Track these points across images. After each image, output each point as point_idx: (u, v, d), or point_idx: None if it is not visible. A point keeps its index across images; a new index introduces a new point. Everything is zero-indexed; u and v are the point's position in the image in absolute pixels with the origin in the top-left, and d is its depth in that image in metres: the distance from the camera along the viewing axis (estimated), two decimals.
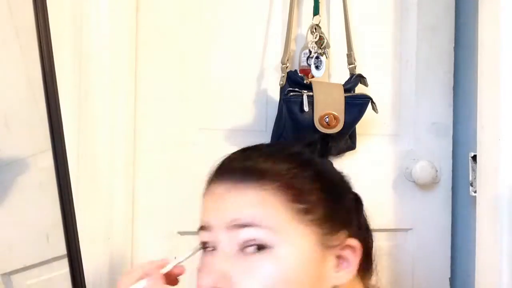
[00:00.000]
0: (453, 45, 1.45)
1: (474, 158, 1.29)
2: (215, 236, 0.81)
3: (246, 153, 0.86)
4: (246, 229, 0.77)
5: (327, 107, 1.26)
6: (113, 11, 1.26)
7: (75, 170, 1.18)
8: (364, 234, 0.89)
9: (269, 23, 1.39)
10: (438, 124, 1.45)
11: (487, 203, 1.21)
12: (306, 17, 1.38)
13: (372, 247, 0.91)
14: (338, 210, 0.82)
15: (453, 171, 1.45)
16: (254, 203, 0.78)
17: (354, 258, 0.81)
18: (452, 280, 1.46)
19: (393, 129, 1.45)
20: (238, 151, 0.88)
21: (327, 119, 1.26)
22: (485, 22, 1.22)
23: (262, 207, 0.78)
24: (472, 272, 1.26)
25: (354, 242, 0.82)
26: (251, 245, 0.77)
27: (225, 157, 0.88)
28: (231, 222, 0.78)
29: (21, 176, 1.18)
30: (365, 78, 1.33)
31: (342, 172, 0.91)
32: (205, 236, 0.83)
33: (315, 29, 1.35)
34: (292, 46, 1.38)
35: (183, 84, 1.34)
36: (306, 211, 0.78)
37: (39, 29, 1.09)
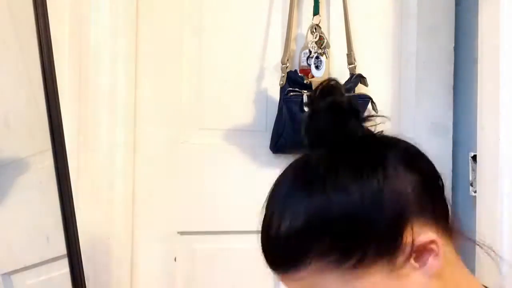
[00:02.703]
0: (453, 45, 1.45)
1: (474, 158, 1.29)
2: None
3: (264, 231, 0.68)
4: None
5: None
6: (113, 11, 1.26)
7: (75, 170, 1.18)
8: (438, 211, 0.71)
9: (269, 23, 1.39)
10: (438, 124, 1.45)
11: (487, 203, 1.21)
12: (306, 17, 1.38)
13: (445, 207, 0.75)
14: (387, 231, 0.65)
15: (453, 171, 1.45)
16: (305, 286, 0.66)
17: (432, 257, 0.66)
18: None
19: (393, 129, 1.44)
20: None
21: None
22: (485, 22, 1.22)
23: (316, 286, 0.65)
24: (472, 272, 1.26)
25: (423, 238, 0.65)
26: None
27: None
28: None
29: (21, 176, 1.18)
30: (365, 78, 1.33)
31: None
32: None
33: (315, 29, 1.35)
34: (292, 46, 1.38)
35: (183, 84, 1.34)
36: (360, 260, 0.64)
37: (39, 29, 1.09)
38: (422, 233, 0.65)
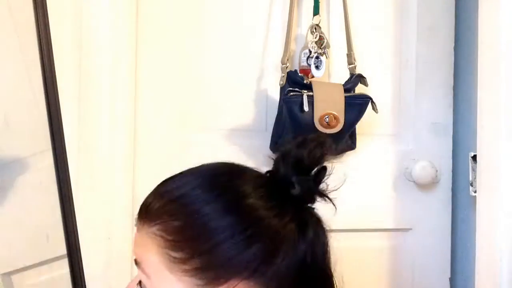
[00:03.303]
0: (453, 45, 1.45)
1: (474, 158, 1.29)
2: None
3: (163, 184, 0.75)
4: (137, 268, 0.72)
5: (327, 107, 1.26)
6: (113, 11, 1.26)
7: (75, 170, 1.18)
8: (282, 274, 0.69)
9: (269, 23, 1.39)
10: (438, 124, 1.45)
11: (487, 203, 1.21)
12: (306, 17, 1.38)
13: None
14: (225, 258, 0.67)
15: (453, 171, 1.45)
16: (139, 243, 0.72)
17: None
18: (452, 280, 1.46)
19: (393, 129, 1.45)
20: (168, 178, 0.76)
21: (327, 119, 1.26)
22: (485, 22, 1.22)
23: (144, 249, 0.71)
24: (472, 272, 1.26)
25: None
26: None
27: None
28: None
29: (21, 176, 1.18)
30: (365, 78, 1.33)
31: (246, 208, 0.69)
32: None
33: (315, 29, 1.35)
34: (292, 46, 1.38)
35: (183, 84, 1.34)
36: (183, 261, 0.67)
37: (39, 29, 1.09)
38: None
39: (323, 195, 0.73)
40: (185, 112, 1.34)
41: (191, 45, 1.35)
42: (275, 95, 1.36)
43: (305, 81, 1.29)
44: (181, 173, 0.75)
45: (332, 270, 0.75)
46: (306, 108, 1.25)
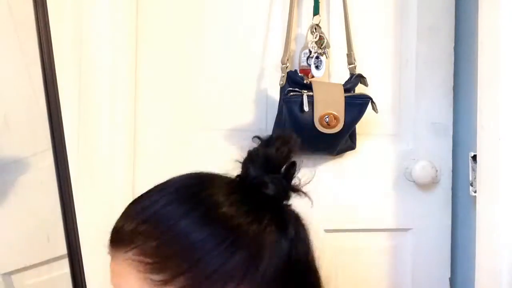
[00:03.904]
0: (453, 45, 1.45)
1: (474, 158, 1.29)
2: None
3: (132, 206, 0.71)
4: None
5: (327, 107, 1.26)
6: (113, 11, 1.26)
7: (75, 169, 1.18)
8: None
9: (269, 23, 1.39)
10: (438, 124, 1.45)
11: (487, 203, 1.21)
12: (306, 17, 1.38)
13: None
14: (210, 270, 0.64)
15: (453, 171, 1.45)
16: (116, 272, 0.68)
17: None
18: (452, 280, 1.46)
19: (393, 129, 1.45)
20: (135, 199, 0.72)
21: (327, 119, 1.26)
22: (485, 22, 1.22)
23: (122, 279, 0.67)
24: (472, 272, 1.26)
25: None
26: None
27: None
28: None
29: (21, 176, 1.18)
30: (365, 78, 1.33)
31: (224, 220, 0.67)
32: None
33: (315, 29, 1.35)
34: (292, 46, 1.38)
35: (183, 84, 1.34)
36: (166, 282, 0.64)
37: (39, 28, 1.09)
38: None
39: (297, 189, 0.72)
40: (185, 112, 1.34)
41: (191, 45, 1.35)
42: (275, 95, 1.36)
43: (305, 81, 1.29)
44: (149, 191, 0.71)
45: (317, 265, 0.74)
46: (306, 108, 1.25)
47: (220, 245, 0.65)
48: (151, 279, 0.64)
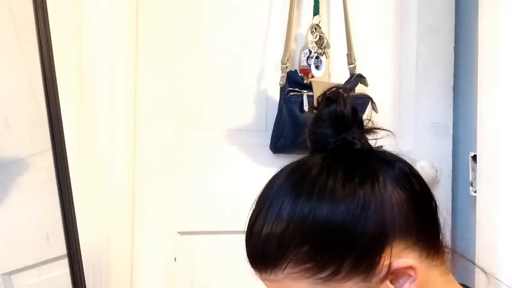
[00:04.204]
0: (453, 45, 1.45)
1: (474, 158, 1.29)
2: None
3: (255, 228, 0.69)
4: None
5: None
6: (113, 11, 1.26)
7: (75, 170, 1.18)
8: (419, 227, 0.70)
9: (269, 23, 1.39)
10: (438, 124, 1.45)
11: (487, 203, 1.21)
12: (306, 17, 1.38)
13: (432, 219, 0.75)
14: (368, 238, 0.65)
15: (453, 171, 1.45)
16: None
17: (408, 282, 0.66)
18: None
19: (393, 129, 1.43)
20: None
21: None
22: (485, 22, 1.22)
23: None
24: (472, 272, 1.26)
25: (401, 263, 0.65)
26: None
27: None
28: None
29: (21, 176, 1.18)
30: (365, 78, 1.33)
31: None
32: None
33: (315, 29, 1.35)
34: (292, 46, 1.38)
35: (183, 84, 1.34)
36: (335, 273, 0.64)
37: (39, 29, 1.09)
38: (402, 257, 0.65)
39: (374, 129, 0.75)
40: (185, 112, 1.34)
41: (191, 45, 1.35)
42: (275, 95, 1.36)
43: (305, 81, 1.29)
44: (260, 204, 0.69)
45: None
46: (306, 108, 1.25)
47: (363, 212, 0.65)
48: (320, 278, 0.65)
